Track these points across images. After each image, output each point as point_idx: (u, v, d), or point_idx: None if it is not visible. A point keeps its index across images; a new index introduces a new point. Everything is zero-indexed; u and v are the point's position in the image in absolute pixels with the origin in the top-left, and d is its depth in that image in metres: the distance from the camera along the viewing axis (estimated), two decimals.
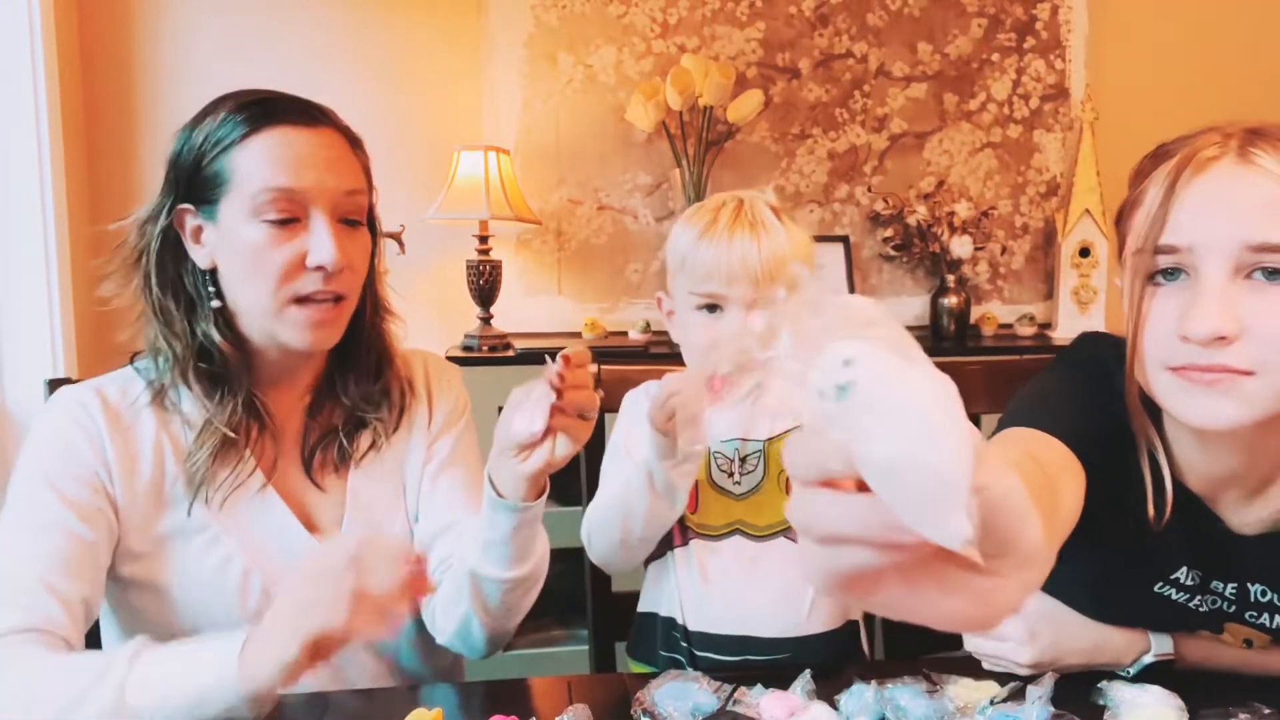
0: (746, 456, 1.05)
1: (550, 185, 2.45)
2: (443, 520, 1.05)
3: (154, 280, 0.98)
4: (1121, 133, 2.41)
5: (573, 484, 1.27)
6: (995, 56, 2.56)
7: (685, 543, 1.07)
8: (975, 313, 2.53)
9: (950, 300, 2.46)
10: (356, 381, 1.05)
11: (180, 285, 0.98)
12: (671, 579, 1.08)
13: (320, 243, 0.93)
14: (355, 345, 1.04)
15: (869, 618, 1.22)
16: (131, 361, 1.03)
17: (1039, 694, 0.82)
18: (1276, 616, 0.88)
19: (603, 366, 1.36)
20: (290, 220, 0.93)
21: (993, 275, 2.59)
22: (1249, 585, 0.87)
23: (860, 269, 2.55)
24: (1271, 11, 2.62)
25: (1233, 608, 0.89)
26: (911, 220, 2.47)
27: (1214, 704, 0.83)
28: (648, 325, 2.33)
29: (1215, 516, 0.85)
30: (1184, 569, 0.88)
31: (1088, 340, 0.94)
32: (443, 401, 1.11)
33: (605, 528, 1.05)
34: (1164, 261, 0.75)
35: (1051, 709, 0.81)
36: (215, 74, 2.30)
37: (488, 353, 2.14)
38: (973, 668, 0.94)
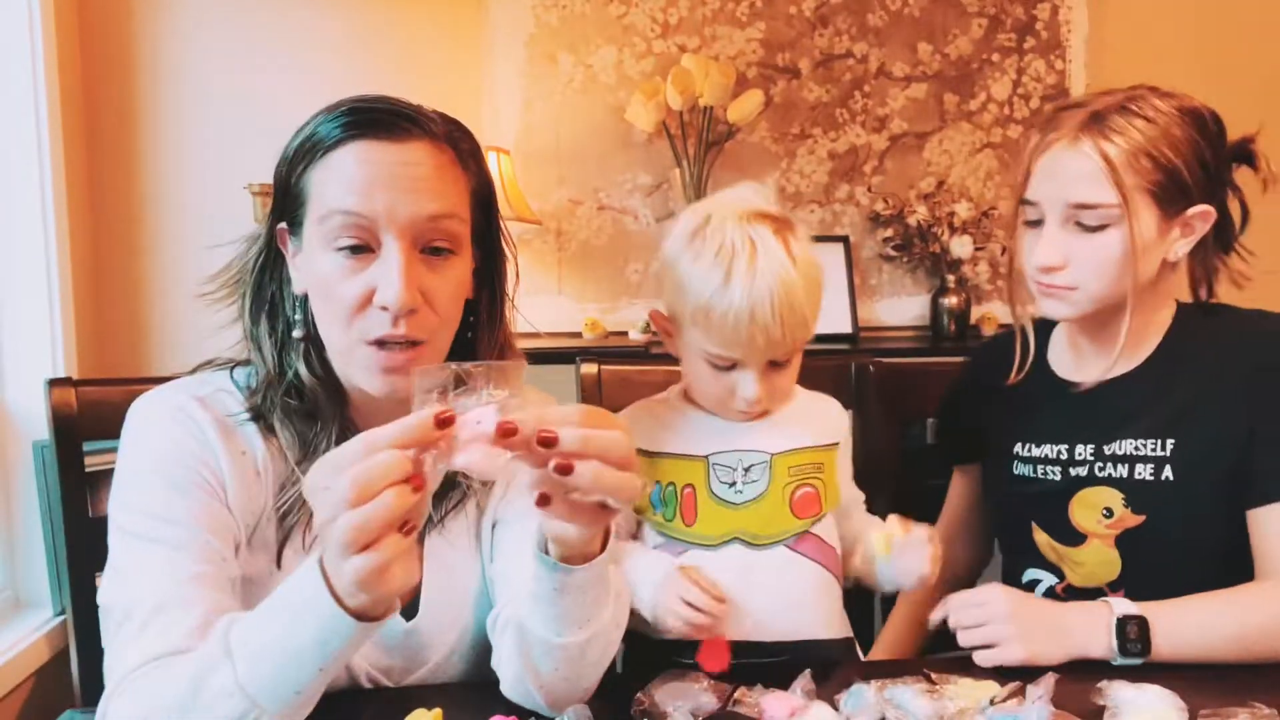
0: (751, 467, 1.01)
1: (550, 185, 2.45)
2: (506, 565, 0.94)
3: (249, 304, 0.90)
4: None
5: None
6: (995, 57, 2.55)
7: (680, 553, 1.02)
8: (975, 313, 2.53)
9: (950, 300, 2.46)
10: None
11: (278, 311, 0.90)
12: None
13: (386, 276, 0.81)
14: None
15: (867, 625, 1.22)
16: (232, 370, 0.93)
17: (1039, 694, 0.82)
18: (1120, 466, 1.08)
19: (603, 367, 1.36)
20: (362, 249, 0.82)
21: (993, 275, 2.58)
22: (1103, 446, 1.09)
23: (860, 269, 2.55)
24: (1272, 11, 2.62)
25: (1086, 472, 1.10)
26: (912, 220, 2.47)
27: (1214, 704, 0.83)
28: (648, 325, 2.32)
29: (1071, 384, 1.13)
30: (1048, 445, 1.13)
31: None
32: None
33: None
34: (1029, 211, 1.07)
35: (1051, 709, 0.81)
36: (215, 74, 2.31)
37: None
38: (973, 668, 0.94)
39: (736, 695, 0.87)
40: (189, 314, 2.26)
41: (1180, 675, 0.90)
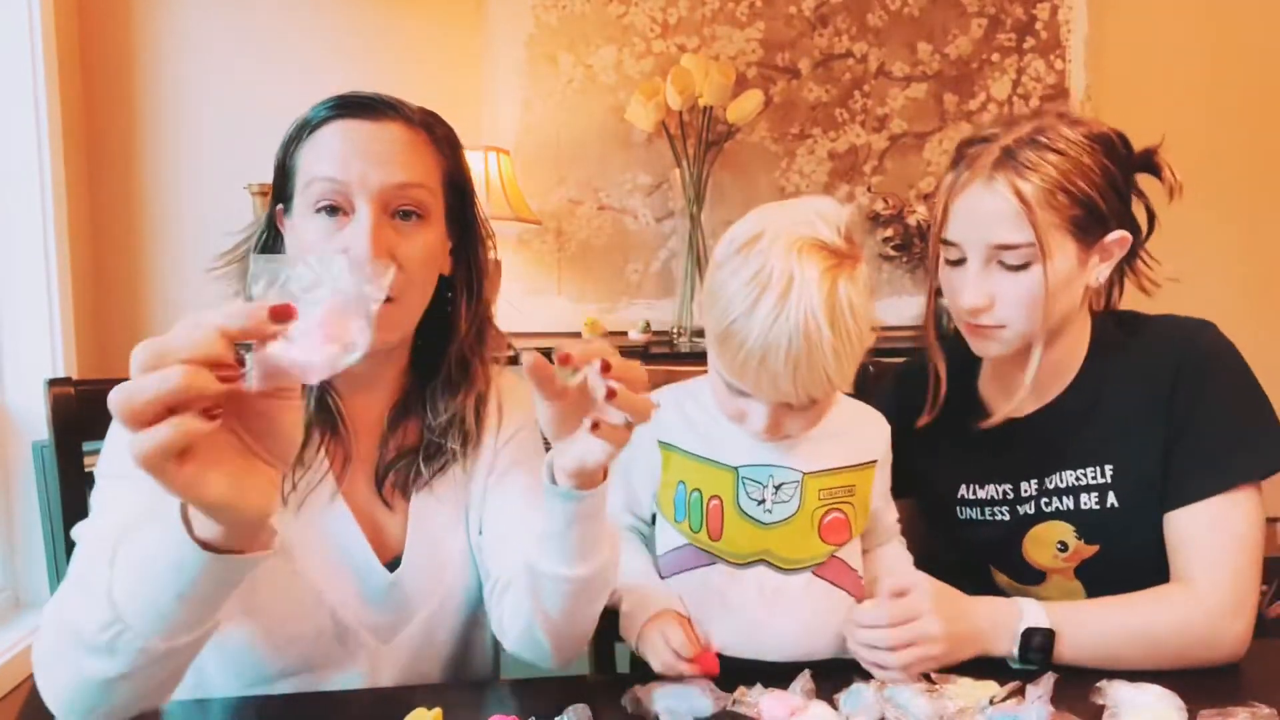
0: (782, 485, 0.97)
1: (550, 185, 2.45)
2: (502, 529, 1.00)
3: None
4: None
5: None
6: (995, 56, 2.55)
7: (709, 564, 1.00)
8: None
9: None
10: (445, 404, 1.00)
11: None
12: (685, 590, 1.00)
13: (356, 237, 0.88)
14: (445, 361, 1.00)
15: None
16: None
17: (1039, 694, 0.82)
18: (1066, 499, 1.06)
19: None
20: (338, 212, 0.90)
21: None
22: (1045, 480, 1.08)
23: None
24: (1272, 11, 2.62)
25: (1033, 509, 1.08)
26: (911, 220, 2.47)
27: (1214, 704, 0.83)
28: (647, 325, 2.33)
29: (1006, 419, 1.09)
30: (992, 485, 1.11)
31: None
32: (510, 422, 1.06)
33: None
34: (949, 251, 1.05)
35: (1051, 709, 0.81)
36: (215, 74, 2.31)
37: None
38: (973, 668, 0.94)
39: (736, 695, 0.87)
40: (189, 313, 2.26)
41: (1180, 675, 0.90)
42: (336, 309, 0.59)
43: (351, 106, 0.92)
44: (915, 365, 1.21)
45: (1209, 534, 0.98)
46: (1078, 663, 0.93)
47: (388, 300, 0.86)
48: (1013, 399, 1.07)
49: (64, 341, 1.99)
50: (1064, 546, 1.07)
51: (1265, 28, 2.62)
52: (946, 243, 1.04)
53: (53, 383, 1.22)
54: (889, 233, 2.51)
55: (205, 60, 2.31)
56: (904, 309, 2.57)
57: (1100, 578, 1.05)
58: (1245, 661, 0.96)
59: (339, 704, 0.91)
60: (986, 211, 0.99)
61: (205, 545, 0.63)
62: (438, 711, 0.81)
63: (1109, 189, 1.00)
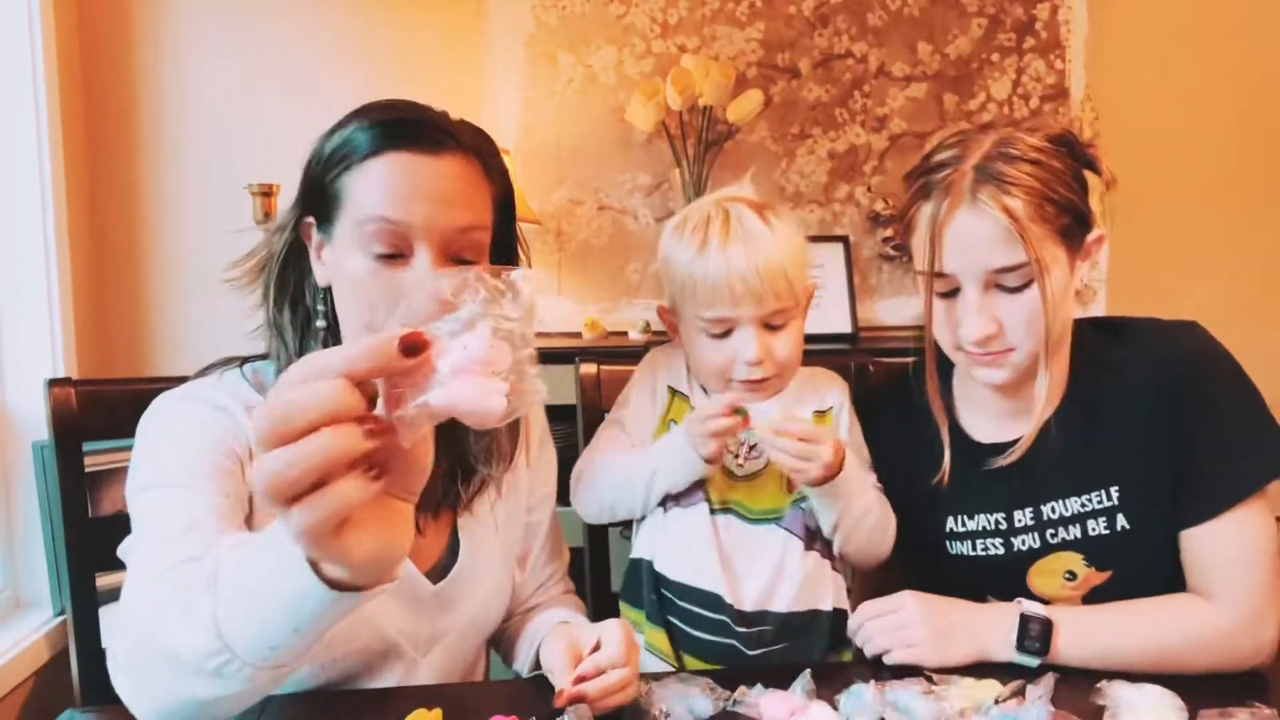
0: (755, 445, 1.06)
1: (550, 185, 2.45)
2: (537, 579, 1.13)
3: (273, 292, 0.94)
4: (1121, 133, 2.41)
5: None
6: (995, 56, 2.55)
7: (684, 505, 1.07)
8: None
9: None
10: (473, 434, 1.00)
11: (299, 300, 0.95)
12: (660, 531, 1.08)
13: None
14: None
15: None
16: (240, 365, 0.98)
17: (1039, 693, 0.82)
18: (1071, 528, 1.04)
19: (602, 367, 1.36)
20: (394, 255, 0.87)
21: None
22: (1041, 507, 1.05)
23: (860, 269, 2.55)
24: (1272, 11, 2.62)
25: (1038, 541, 1.06)
26: None
27: (1214, 704, 0.83)
28: (647, 325, 2.32)
29: (993, 447, 1.08)
30: (981, 515, 1.09)
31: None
32: (534, 434, 1.12)
33: (594, 490, 1.10)
34: (940, 285, 1.01)
35: (1051, 709, 0.81)
36: (215, 74, 2.31)
37: None
38: (974, 668, 0.94)
39: (736, 695, 0.87)
40: (189, 314, 2.26)
41: (1181, 675, 0.90)
42: (494, 338, 0.50)
43: (408, 136, 0.87)
44: (884, 389, 1.22)
45: (1229, 549, 0.97)
46: (1080, 663, 0.94)
47: None
48: (1003, 425, 1.08)
49: (64, 341, 1.99)
50: (1072, 575, 1.05)
51: (1266, 28, 2.62)
52: (938, 275, 1.01)
53: (53, 383, 1.22)
54: (889, 233, 2.51)
55: (205, 60, 2.30)
56: (904, 309, 2.56)
57: (1106, 601, 1.03)
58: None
59: (339, 704, 0.91)
60: (979, 237, 0.96)
61: (333, 584, 0.59)
62: (438, 712, 0.81)
63: (1079, 188, 1.00)
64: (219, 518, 0.83)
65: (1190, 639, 0.94)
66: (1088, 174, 1.04)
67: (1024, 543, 1.07)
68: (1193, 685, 0.86)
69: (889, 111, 2.54)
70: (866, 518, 1.05)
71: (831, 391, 1.15)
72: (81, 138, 2.21)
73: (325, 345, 0.92)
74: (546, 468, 1.16)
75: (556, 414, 1.21)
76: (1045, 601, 1.03)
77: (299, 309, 0.95)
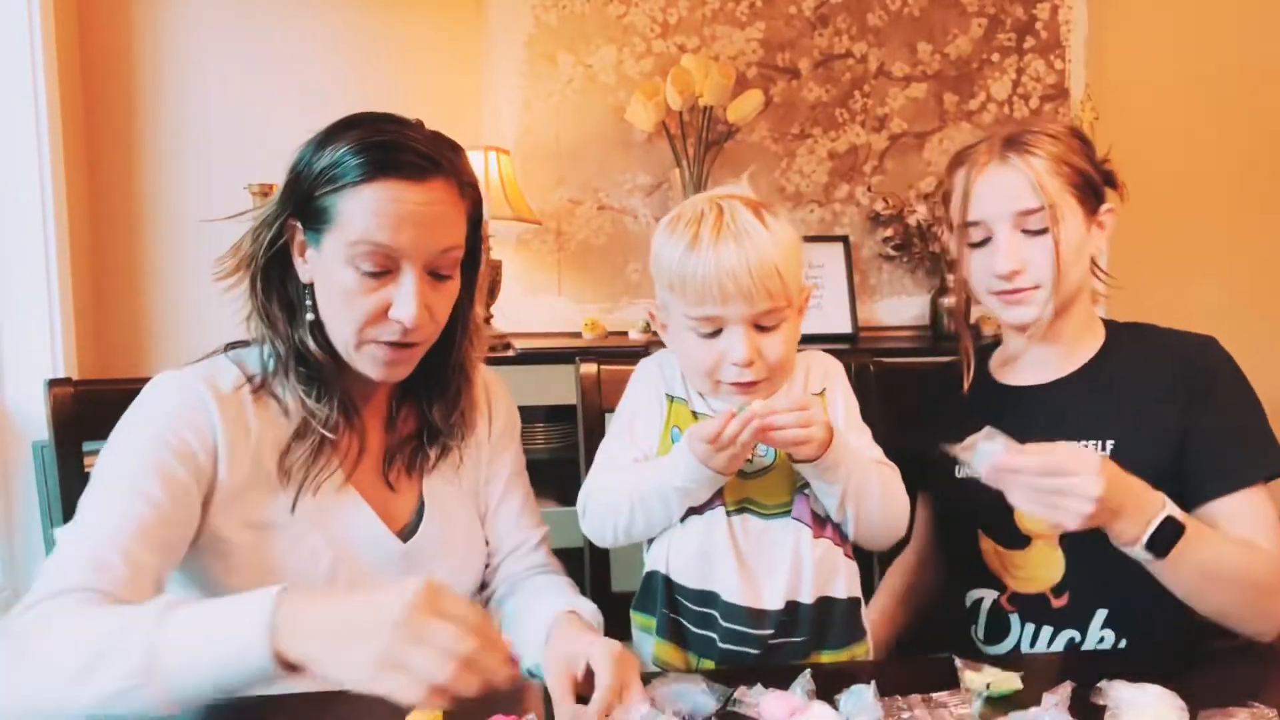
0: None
1: (550, 185, 2.45)
2: (511, 541, 1.15)
3: (259, 284, 1.00)
4: (1121, 133, 2.40)
5: (572, 483, 1.27)
6: (995, 56, 2.56)
7: (702, 512, 1.05)
8: (975, 312, 2.52)
9: (950, 300, 2.46)
10: (440, 402, 1.09)
11: (284, 291, 1.02)
12: (678, 541, 1.06)
13: (405, 300, 0.95)
14: (442, 366, 1.08)
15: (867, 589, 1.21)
16: (226, 351, 1.05)
17: (1054, 700, 0.82)
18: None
19: (602, 367, 1.36)
20: (382, 273, 0.96)
21: None
22: (1039, 442, 1.06)
23: (860, 269, 2.55)
24: (1271, 11, 2.62)
25: None
26: (911, 220, 2.47)
27: (1214, 704, 0.83)
28: (647, 325, 2.32)
29: (1012, 389, 1.23)
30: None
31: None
32: (499, 415, 1.18)
33: (606, 514, 1.06)
34: (974, 233, 1.17)
35: (1068, 717, 0.81)
36: (215, 74, 2.31)
37: (488, 353, 2.13)
38: (1001, 659, 0.95)
39: (736, 695, 0.87)
40: (189, 314, 2.26)
41: (1180, 675, 0.90)
42: None
43: (405, 165, 0.94)
44: (938, 368, 1.36)
45: (1251, 514, 1.07)
46: (1176, 579, 1.00)
47: (413, 345, 1.00)
48: (1023, 373, 1.21)
49: (64, 341, 1.99)
50: None
51: (1265, 28, 2.62)
52: (970, 225, 1.16)
53: (53, 383, 1.22)
54: (889, 232, 2.51)
55: (205, 60, 2.30)
56: (904, 309, 2.57)
57: (1082, 549, 1.10)
58: (1245, 661, 0.96)
59: (339, 704, 0.91)
60: (1006, 185, 1.13)
61: (290, 666, 0.75)
62: (438, 712, 0.81)
63: (1091, 166, 1.17)
64: (145, 530, 0.89)
65: (1264, 578, 1.02)
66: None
67: None
68: (1193, 685, 0.86)
69: (889, 111, 2.54)
70: (868, 486, 1.03)
71: (825, 372, 1.15)
72: (81, 137, 2.21)
73: (313, 333, 1.00)
74: (515, 457, 1.20)
75: (556, 414, 1.21)
76: (1026, 539, 1.15)
77: (284, 300, 1.01)
